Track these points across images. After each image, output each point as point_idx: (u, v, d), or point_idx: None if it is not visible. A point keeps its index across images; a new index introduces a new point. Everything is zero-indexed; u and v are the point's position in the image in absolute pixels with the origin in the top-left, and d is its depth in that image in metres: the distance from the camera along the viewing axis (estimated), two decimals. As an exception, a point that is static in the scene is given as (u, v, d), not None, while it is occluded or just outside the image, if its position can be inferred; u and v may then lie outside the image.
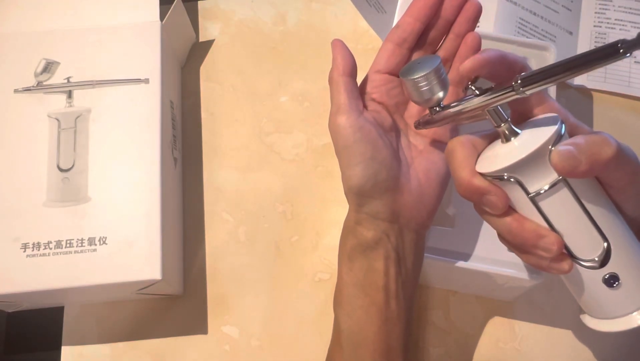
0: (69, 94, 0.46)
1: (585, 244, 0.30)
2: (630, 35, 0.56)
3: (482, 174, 0.31)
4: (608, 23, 0.56)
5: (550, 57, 0.47)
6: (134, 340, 0.48)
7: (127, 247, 0.42)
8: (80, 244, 0.42)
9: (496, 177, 0.30)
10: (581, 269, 0.31)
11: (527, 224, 0.31)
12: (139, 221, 0.43)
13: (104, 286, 0.42)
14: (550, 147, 0.29)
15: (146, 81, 0.47)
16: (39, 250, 0.42)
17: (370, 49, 0.56)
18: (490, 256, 0.42)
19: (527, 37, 0.53)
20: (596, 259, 0.30)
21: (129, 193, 0.44)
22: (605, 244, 0.30)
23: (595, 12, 0.57)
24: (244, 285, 0.49)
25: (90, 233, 0.42)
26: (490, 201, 0.31)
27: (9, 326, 0.49)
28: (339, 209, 0.51)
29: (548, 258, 0.31)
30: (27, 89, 0.46)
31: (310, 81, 0.55)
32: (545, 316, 0.48)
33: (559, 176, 0.29)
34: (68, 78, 0.46)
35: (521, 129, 0.31)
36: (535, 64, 0.47)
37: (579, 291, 0.32)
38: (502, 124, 0.31)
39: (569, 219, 0.30)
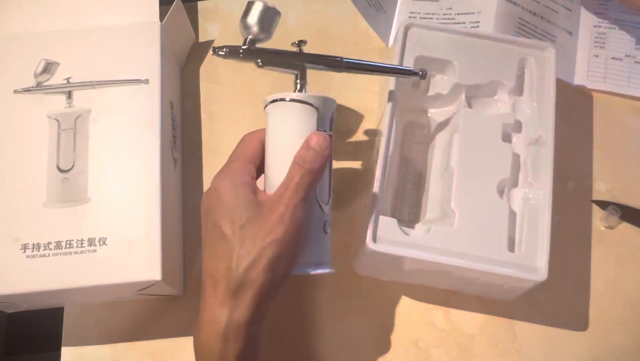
0: (69, 95, 0.46)
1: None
2: (629, 36, 0.56)
3: None
4: (608, 23, 0.56)
5: (550, 57, 0.47)
6: (134, 340, 0.48)
7: (127, 248, 0.42)
8: (80, 245, 0.42)
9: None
10: None
11: None
12: (139, 221, 0.43)
13: (104, 287, 0.42)
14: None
15: (146, 81, 0.47)
16: (38, 251, 0.42)
17: (370, 49, 0.56)
18: (490, 256, 0.42)
19: (527, 37, 0.53)
20: None
21: (129, 194, 0.44)
22: None
23: (595, 12, 0.57)
24: (244, 285, 0.49)
25: (90, 233, 0.42)
26: None
27: (9, 326, 0.49)
28: (339, 209, 0.51)
29: None
30: (27, 90, 0.46)
31: (310, 81, 0.55)
32: (545, 316, 0.48)
33: None
34: (68, 78, 0.46)
35: None
36: (535, 64, 0.47)
37: None
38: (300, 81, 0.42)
39: None
